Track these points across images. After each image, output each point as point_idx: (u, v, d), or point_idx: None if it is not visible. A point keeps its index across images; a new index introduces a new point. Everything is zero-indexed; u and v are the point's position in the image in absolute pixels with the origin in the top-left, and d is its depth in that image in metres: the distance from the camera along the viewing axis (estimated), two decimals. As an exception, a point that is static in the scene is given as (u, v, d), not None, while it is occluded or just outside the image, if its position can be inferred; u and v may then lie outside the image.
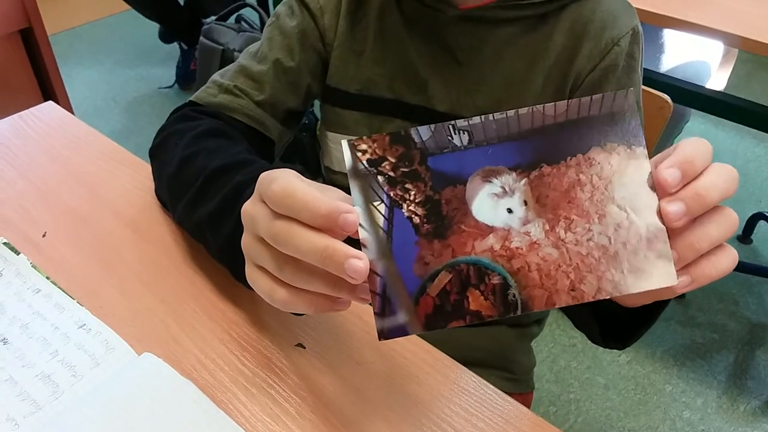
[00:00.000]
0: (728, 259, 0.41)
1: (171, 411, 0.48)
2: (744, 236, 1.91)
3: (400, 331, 0.40)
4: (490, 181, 0.40)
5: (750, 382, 1.54)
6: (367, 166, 0.40)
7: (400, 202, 0.41)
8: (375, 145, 0.40)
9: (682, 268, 0.40)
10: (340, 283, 0.40)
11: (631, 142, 0.40)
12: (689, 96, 1.40)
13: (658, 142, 0.86)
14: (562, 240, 0.40)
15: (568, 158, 0.40)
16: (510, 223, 0.40)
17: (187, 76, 2.53)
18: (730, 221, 0.40)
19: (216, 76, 0.73)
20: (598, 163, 0.40)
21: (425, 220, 0.41)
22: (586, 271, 0.40)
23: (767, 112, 1.37)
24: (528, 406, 0.94)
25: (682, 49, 1.55)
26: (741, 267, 1.80)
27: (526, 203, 0.40)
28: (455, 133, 0.41)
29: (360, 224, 0.39)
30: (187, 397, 0.49)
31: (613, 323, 0.60)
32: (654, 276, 0.39)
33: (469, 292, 0.40)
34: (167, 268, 0.62)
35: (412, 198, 0.41)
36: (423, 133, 0.41)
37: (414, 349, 0.56)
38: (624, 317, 0.54)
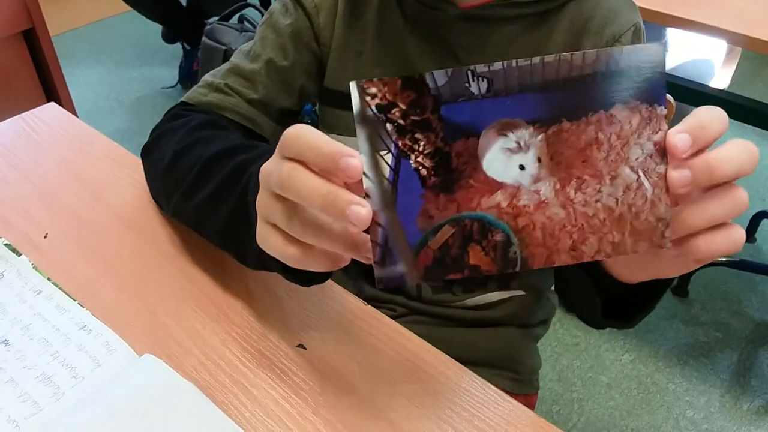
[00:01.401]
0: (724, 240, 0.38)
1: (172, 412, 0.48)
2: (748, 234, 1.90)
3: (399, 281, 0.39)
4: (506, 135, 0.39)
5: (753, 381, 1.54)
6: (375, 111, 0.38)
7: (408, 152, 0.39)
8: (386, 89, 0.38)
9: (676, 240, 0.39)
10: (347, 239, 0.40)
11: (654, 101, 0.38)
12: (692, 95, 1.40)
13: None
14: (571, 200, 0.39)
15: (590, 114, 0.38)
16: (521, 180, 0.39)
17: (190, 76, 2.53)
18: (734, 202, 0.38)
19: (207, 76, 0.72)
20: (619, 121, 0.38)
21: (433, 172, 0.39)
22: (589, 232, 0.39)
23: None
24: (532, 406, 0.93)
25: (685, 48, 1.54)
26: (744, 265, 1.79)
27: (540, 160, 0.39)
28: (473, 80, 0.38)
29: (364, 173, 0.38)
30: (188, 399, 0.49)
31: (614, 300, 0.59)
32: (651, 239, 0.39)
33: (471, 247, 0.39)
34: (168, 269, 0.62)
35: (421, 149, 0.39)
36: (438, 78, 0.38)
37: (416, 350, 0.56)
38: (624, 294, 0.53)
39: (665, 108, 0.38)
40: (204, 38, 2.06)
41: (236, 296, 0.60)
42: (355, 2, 0.71)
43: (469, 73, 0.38)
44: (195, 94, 0.71)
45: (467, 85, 0.38)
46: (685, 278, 1.74)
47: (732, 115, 1.50)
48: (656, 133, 0.38)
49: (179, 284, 0.61)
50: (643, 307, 0.56)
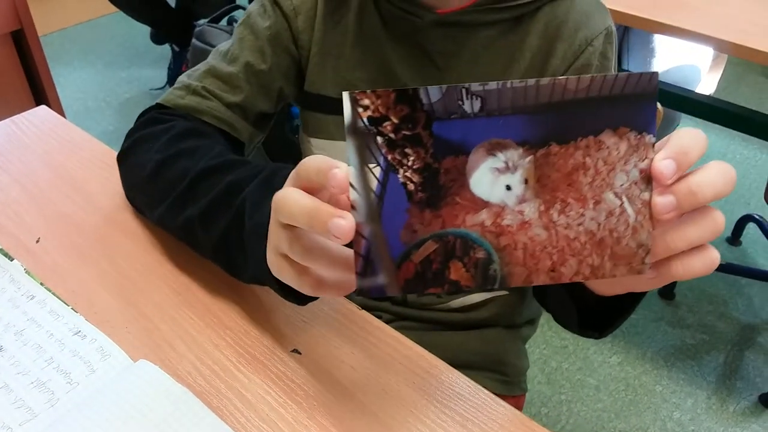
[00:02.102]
0: (702, 262, 0.40)
1: (167, 418, 0.48)
2: (733, 238, 1.93)
3: (378, 291, 0.39)
4: (494, 155, 0.39)
5: (739, 383, 1.55)
6: (367, 124, 0.38)
7: (397, 166, 0.39)
8: (379, 101, 0.38)
9: (655, 261, 0.40)
10: (345, 262, 0.41)
11: (643, 129, 0.38)
12: (679, 100, 1.41)
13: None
14: (554, 222, 0.40)
15: (579, 139, 0.39)
16: (506, 201, 0.40)
17: (177, 78, 2.52)
18: (713, 224, 0.39)
19: (183, 77, 0.72)
20: (607, 147, 0.39)
21: (420, 188, 0.39)
22: (569, 254, 0.40)
23: (754, 116, 1.39)
24: (520, 408, 0.94)
25: (672, 53, 1.56)
26: (730, 269, 1.81)
27: (526, 181, 0.39)
28: (467, 98, 0.39)
29: (351, 185, 0.38)
30: (184, 404, 0.49)
31: (591, 311, 0.59)
32: (630, 264, 0.39)
33: (452, 263, 0.40)
34: (162, 274, 0.62)
35: (410, 164, 0.39)
36: (432, 94, 0.38)
37: (409, 354, 0.56)
38: (600, 306, 0.54)
39: (654, 136, 0.39)
40: (194, 40, 2.05)
41: (230, 301, 0.60)
42: (334, 6, 0.71)
43: (464, 91, 0.38)
44: (172, 96, 0.70)
45: (461, 102, 0.39)
46: (672, 282, 1.76)
47: (718, 120, 1.51)
48: (643, 160, 0.39)
49: (173, 289, 0.61)
50: (617, 319, 0.56)
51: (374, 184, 0.39)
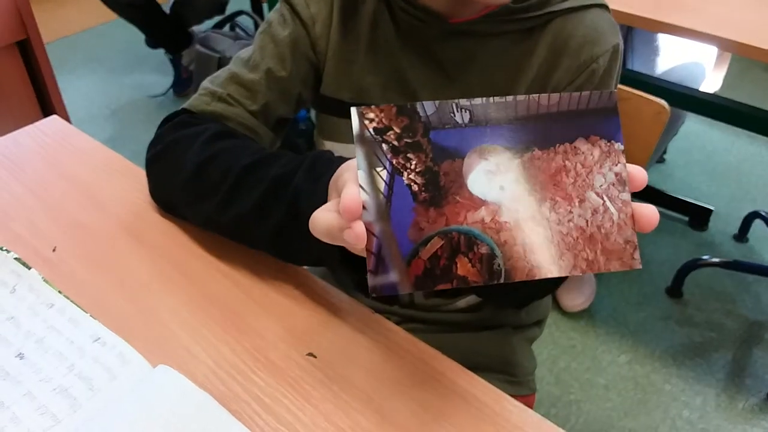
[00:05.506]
0: None
1: (189, 423, 0.49)
2: (740, 235, 1.93)
3: (391, 289, 0.42)
4: (486, 159, 0.44)
5: (748, 380, 1.56)
6: (372, 133, 0.43)
7: (402, 170, 0.43)
8: (382, 114, 0.43)
9: None
10: None
11: (611, 138, 0.44)
12: (684, 99, 1.42)
13: (657, 144, 0.88)
14: (546, 219, 0.43)
15: (557, 145, 0.44)
16: (501, 199, 0.43)
17: (180, 83, 2.54)
18: None
19: (207, 83, 0.73)
20: (582, 153, 0.44)
21: (423, 188, 0.43)
22: (564, 249, 0.43)
23: (758, 114, 1.39)
24: (530, 408, 0.95)
25: (677, 51, 1.56)
26: (737, 266, 1.81)
27: (517, 182, 0.44)
28: (458, 111, 0.44)
29: (362, 187, 0.42)
30: (204, 409, 0.50)
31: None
32: (621, 259, 0.43)
33: (458, 258, 0.43)
34: (177, 279, 0.63)
35: (412, 167, 0.43)
36: (428, 107, 0.44)
37: (422, 355, 0.57)
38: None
39: (622, 144, 0.44)
40: (198, 46, 2.07)
41: (246, 306, 0.61)
42: (349, 14, 0.73)
43: (454, 105, 0.44)
44: (198, 102, 0.72)
45: (452, 115, 0.44)
46: (680, 279, 1.76)
47: (722, 118, 1.51)
48: (616, 165, 0.44)
49: (189, 295, 0.62)
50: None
51: (382, 185, 0.43)
